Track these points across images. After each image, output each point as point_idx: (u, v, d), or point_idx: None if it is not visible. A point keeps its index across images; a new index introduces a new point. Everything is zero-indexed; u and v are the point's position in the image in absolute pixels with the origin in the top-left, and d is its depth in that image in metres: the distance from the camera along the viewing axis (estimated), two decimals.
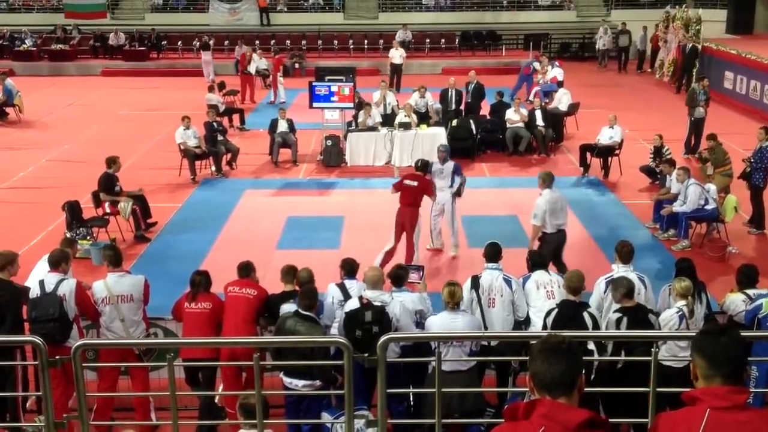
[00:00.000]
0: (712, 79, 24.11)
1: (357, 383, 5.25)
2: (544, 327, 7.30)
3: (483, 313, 7.92)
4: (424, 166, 12.08)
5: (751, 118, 21.11)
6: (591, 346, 6.84)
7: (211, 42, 30.90)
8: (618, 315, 7.26)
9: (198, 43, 30.82)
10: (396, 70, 25.87)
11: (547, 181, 10.65)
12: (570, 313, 7.20)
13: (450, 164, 12.44)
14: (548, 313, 7.38)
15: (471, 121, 18.69)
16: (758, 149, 13.15)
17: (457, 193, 12.48)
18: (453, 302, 7.23)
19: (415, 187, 11.64)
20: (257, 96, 25.65)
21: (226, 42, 32.73)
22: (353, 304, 7.42)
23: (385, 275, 7.95)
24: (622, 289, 7.39)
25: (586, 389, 3.12)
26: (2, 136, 21.12)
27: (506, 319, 8.01)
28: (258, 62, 27.26)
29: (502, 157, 18.23)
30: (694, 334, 3.38)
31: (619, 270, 8.11)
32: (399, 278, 7.97)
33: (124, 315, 7.82)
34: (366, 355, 4.87)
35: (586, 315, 7.20)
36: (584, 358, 6.50)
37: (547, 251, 10.11)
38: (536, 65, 24.80)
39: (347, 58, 31.29)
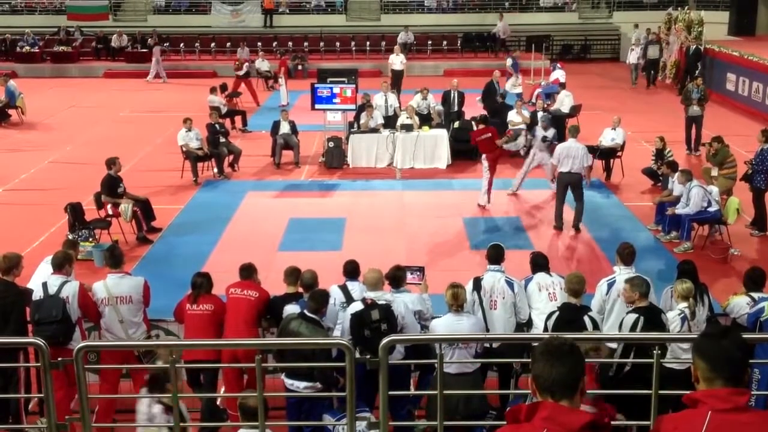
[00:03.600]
0: (714, 81, 24.16)
1: (359, 385, 5.25)
2: (545, 330, 7.29)
3: (485, 314, 7.92)
4: (484, 120, 15.81)
5: (753, 120, 21.10)
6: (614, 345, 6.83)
7: (213, 45, 30.93)
8: (635, 315, 7.22)
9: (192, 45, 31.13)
10: (397, 76, 25.10)
11: (572, 132, 13.90)
12: (571, 316, 7.19)
13: (551, 131, 16.18)
14: (549, 316, 7.37)
15: (473, 122, 18.67)
16: (759, 151, 13.15)
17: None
18: (457, 304, 7.22)
19: (489, 138, 14.94)
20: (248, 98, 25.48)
21: (228, 44, 32.80)
22: (357, 305, 7.42)
23: (384, 276, 7.95)
24: (645, 287, 7.37)
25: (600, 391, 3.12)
26: (4, 137, 21.16)
27: (508, 321, 8.01)
28: (260, 64, 27.32)
29: (504, 159, 18.16)
30: (695, 336, 3.38)
31: (621, 272, 8.10)
32: (397, 280, 7.96)
33: (124, 316, 7.82)
34: (368, 356, 4.87)
35: (586, 319, 7.18)
36: (591, 360, 6.56)
37: (560, 186, 13.59)
38: (508, 61, 24.86)
39: (349, 59, 31.31)
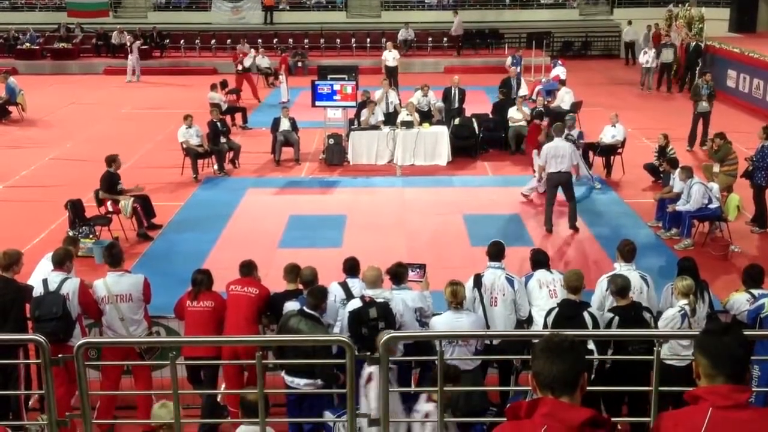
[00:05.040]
0: (714, 78, 24.09)
1: (359, 382, 5.25)
2: (545, 326, 7.29)
3: (485, 311, 7.92)
4: (539, 115, 17.08)
5: (754, 117, 21.08)
6: (591, 345, 6.84)
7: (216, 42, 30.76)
8: (610, 315, 7.29)
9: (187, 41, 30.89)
10: (390, 72, 24.74)
11: (556, 131, 13.77)
12: (571, 312, 7.19)
13: (576, 131, 16.19)
14: (549, 312, 7.37)
15: (473, 119, 18.70)
16: (760, 148, 13.14)
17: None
18: (456, 302, 7.22)
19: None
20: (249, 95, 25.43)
21: (229, 41, 32.78)
22: (355, 303, 7.42)
23: (385, 273, 7.95)
24: (613, 286, 7.42)
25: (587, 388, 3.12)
26: (5, 134, 21.15)
27: (508, 318, 8.01)
28: (260, 61, 27.29)
29: (505, 156, 18.21)
30: (696, 333, 3.38)
31: (621, 269, 8.10)
32: (399, 276, 7.96)
33: (124, 314, 7.82)
34: (369, 353, 4.87)
35: (586, 314, 7.18)
36: (608, 357, 6.59)
37: (550, 187, 13.40)
38: (508, 60, 24.82)
39: (350, 56, 31.28)
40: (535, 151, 15.45)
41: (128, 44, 29.75)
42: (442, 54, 32.71)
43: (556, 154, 13.07)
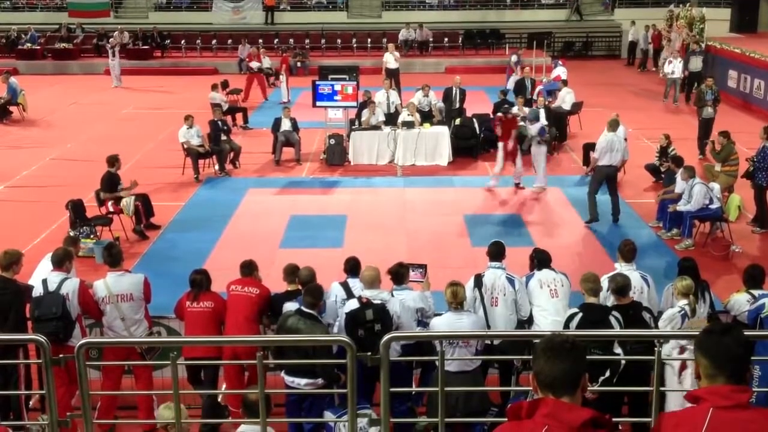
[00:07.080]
0: (715, 78, 24.07)
1: (360, 382, 5.24)
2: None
3: (486, 312, 7.91)
4: (506, 111, 16.47)
5: (755, 117, 21.08)
6: (618, 350, 6.77)
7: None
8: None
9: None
10: (391, 74, 23.99)
11: (612, 126, 13.88)
12: (595, 317, 7.06)
13: (537, 125, 15.90)
14: (571, 317, 7.20)
15: (474, 120, 18.69)
16: (761, 148, 13.12)
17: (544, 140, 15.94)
18: (456, 302, 7.20)
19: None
20: (257, 95, 25.53)
21: (230, 41, 32.81)
22: (353, 304, 7.40)
23: (386, 272, 7.93)
24: (613, 285, 7.40)
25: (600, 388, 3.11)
26: (6, 134, 21.16)
27: (509, 318, 7.99)
28: (262, 61, 27.33)
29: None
30: (696, 333, 3.38)
31: (621, 269, 8.10)
32: (399, 276, 7.94)
33: (125, 314, 7.82)
34: (369, 353, 4.86)
35: (612, 319, 7.07)
36: (608, 357, 6.56)
37: (596, 179, 13.83)
38: (513, 58, 24.79)
39: (350, 56, 31.27)
40: (500, 145, 15.83)
41: (109, 47, 28.94)
42: (444, 54, 32.71)
43: (612, 148, 13.56)
